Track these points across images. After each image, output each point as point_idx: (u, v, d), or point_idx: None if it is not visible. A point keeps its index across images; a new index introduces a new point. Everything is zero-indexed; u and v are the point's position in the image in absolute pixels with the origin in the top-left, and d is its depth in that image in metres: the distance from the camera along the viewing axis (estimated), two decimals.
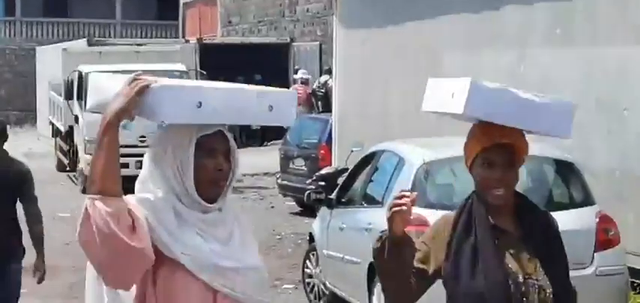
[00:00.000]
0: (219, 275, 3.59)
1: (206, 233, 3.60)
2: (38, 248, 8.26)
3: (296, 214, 19.10)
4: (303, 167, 19.11)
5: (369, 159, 10.83)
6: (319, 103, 26.54)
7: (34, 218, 8.22)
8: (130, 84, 3.59)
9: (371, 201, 10.35)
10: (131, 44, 28.42)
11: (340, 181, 13.71)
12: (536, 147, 10.33)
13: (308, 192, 11.78)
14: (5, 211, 8.03)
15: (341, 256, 10.55)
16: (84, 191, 21.77)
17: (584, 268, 9.15)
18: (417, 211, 9.39)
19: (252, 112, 3.70)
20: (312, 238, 11.73)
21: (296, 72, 27.75)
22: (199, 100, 3.53)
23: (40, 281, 8.41)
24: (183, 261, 3.53)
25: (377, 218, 9.85)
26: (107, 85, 3.78)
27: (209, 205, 3.62)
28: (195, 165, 3.59)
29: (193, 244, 3.56)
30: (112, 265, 3.47)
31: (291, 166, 19.55)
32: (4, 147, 8.26)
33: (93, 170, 3.55)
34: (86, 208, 3.50)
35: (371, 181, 10.52)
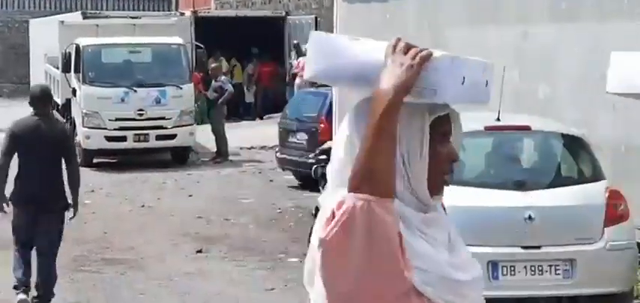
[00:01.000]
0: (448, 291, 2.90)
1: (429, 237, 2.93)
2: (75, 195, 10.03)
3: (295, 187, 19.12)
4: (303, 141, 19.12)
5: None
6: None
7: (74, 168, 10.05)
8: (403, 51, 2.87)
9: None
10: (126, 17, 28.34)
11: None
12: (544, 122, 10.43)
13: (315, 166, 11.78)
14: (56, 163, 9.78)
15: None
16: (81, 164, 21.84)
17: (594, 243, 9.21)
18: None
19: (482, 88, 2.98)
20: (317, 212, 11.73)
21: (296, 46, 27.66)
22: (463, 75, 2.88)
23: (71, 218, 10.13)
24: (414, 276, 2.83)
25: None
26: (343, 47, 2.99)
27: (431, 201, 2.98)
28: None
29: (424, 253, 2.88)
30: (366, 289, 2.79)
31: (290, 139, 19.56)
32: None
33: (371, 164, 2.82)
34: (351, 207, 2.82)
35: None
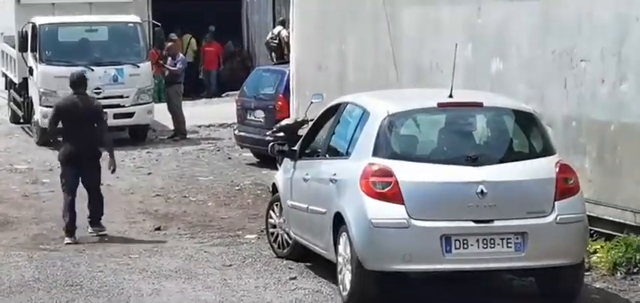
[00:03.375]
0: None
1: None
2: (111, 152, 13.15)
3: (253, 165, 19.24)
4: (261, 119, 19.23)
5: (332, 111, 10.98)
6: (273, 54, 26.60)
7: (106, 134, 13.38)
8: None
9: (335, 153, 10.51)
10: None
11: (301, 132, 13.87)
12: (496, 98, 10.61)
13: (271, 143, 11.89)
14: (92, 130, 12.99)
15: (305, 206, 10.72)
16: (39, 143, 21.85)
17: (545, 217, 9.40)
18: (382, 162, 9.71)
19: None
20: (275, 189, 11.88)
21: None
22: None
23: (113, 172, 13.37)
24: None
25: (341, 169, 10.05)
26: None
27: None
28: None
29: None
30: None
31: (248, 117, 19.66)
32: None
33: None
34: None
35: (334, 133, 10.67)
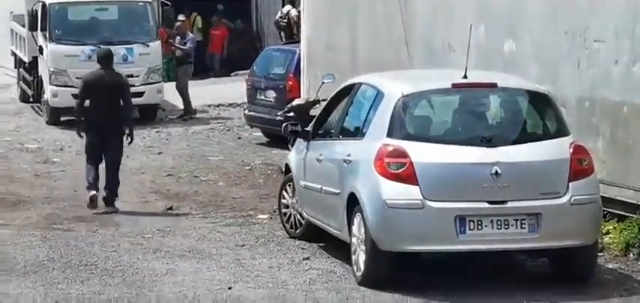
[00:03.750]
0: None
1: None
2: (130, 126, 13.85)
3: (263, 145, 19.26)
4: (271, 98, 19.24)
5: (345, 92, 10.98)
6: (282, 33, 26.55)
7: (129, 108, 14.17)
8: None
9: (349, 133, 10.52)
10: None
11: (313, 112, 13.88)
12: (509, 79, 10.61)
13: (285, 124, 11.88)
14: (117, 103, 13.59)
15: (319, 186, 10.73)
16: (49, 122, 21.89)
17: (559, 198, 9.42)
18: (396, 143, 9.73)
19: None
20: (287, 169, 11.89)
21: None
22: None
23: (130, 143, 13.93)
24: None
25: (355, 150, 10.07)
26: None
27: None
28: None
29: None
30: None
31: (258, 97, 19.67)
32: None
33: None
34: None
35: (348, 113, 10.67)
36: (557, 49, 12.14)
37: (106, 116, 13.47)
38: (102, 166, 13.67)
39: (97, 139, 13.63)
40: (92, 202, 13.42)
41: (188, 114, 22.75)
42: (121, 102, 13.66)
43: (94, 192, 13.46)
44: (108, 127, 13.52)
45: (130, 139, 13.81)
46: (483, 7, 13.35)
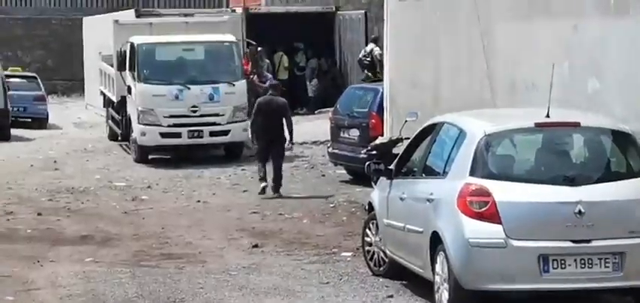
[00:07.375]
0: None
1: None
2: (290, 133, 18.41)
3: (347, 182, 19.40)
4: (354, 137, 19.38)
5: (428, 130, 11.07)
6: (365, 71, 26.73)
7: (289, 122, 18.42)
8: None
9: (432, 172, 10.60)
10: (178, 15, 28.69)
11: (395, 151, 13.98)
12: (593, 118, 10.61)
13: (368, 163, 12.01)
14: (280, 120, 18.21)
15: (402, 225, 10.83)
16: (137, 160, 22.30)
17: None
18: (479, 182, 9.76)
19: None
20: (371, 208, 12.00)
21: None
22: None
23: (290, 149, 19.13)
24: None
25: (438, 188, 10.14)
26: None
27: None
28: None
29: None
30: None
31: (341, 135, 19.83)
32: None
33: None
34: None
35: (431, 152, 10.76)
36: None
37: (271, 129, 18.10)
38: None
39: (265, 145, 18.17)
40: (263, 191, 17.76)
41: None
42: (283, 119, 18.09)
43: (264, 184, 17.76)
44: (272, 137, 18.09)
45: (290, 145, 18.65)
46: (567, 44, 13.33)
